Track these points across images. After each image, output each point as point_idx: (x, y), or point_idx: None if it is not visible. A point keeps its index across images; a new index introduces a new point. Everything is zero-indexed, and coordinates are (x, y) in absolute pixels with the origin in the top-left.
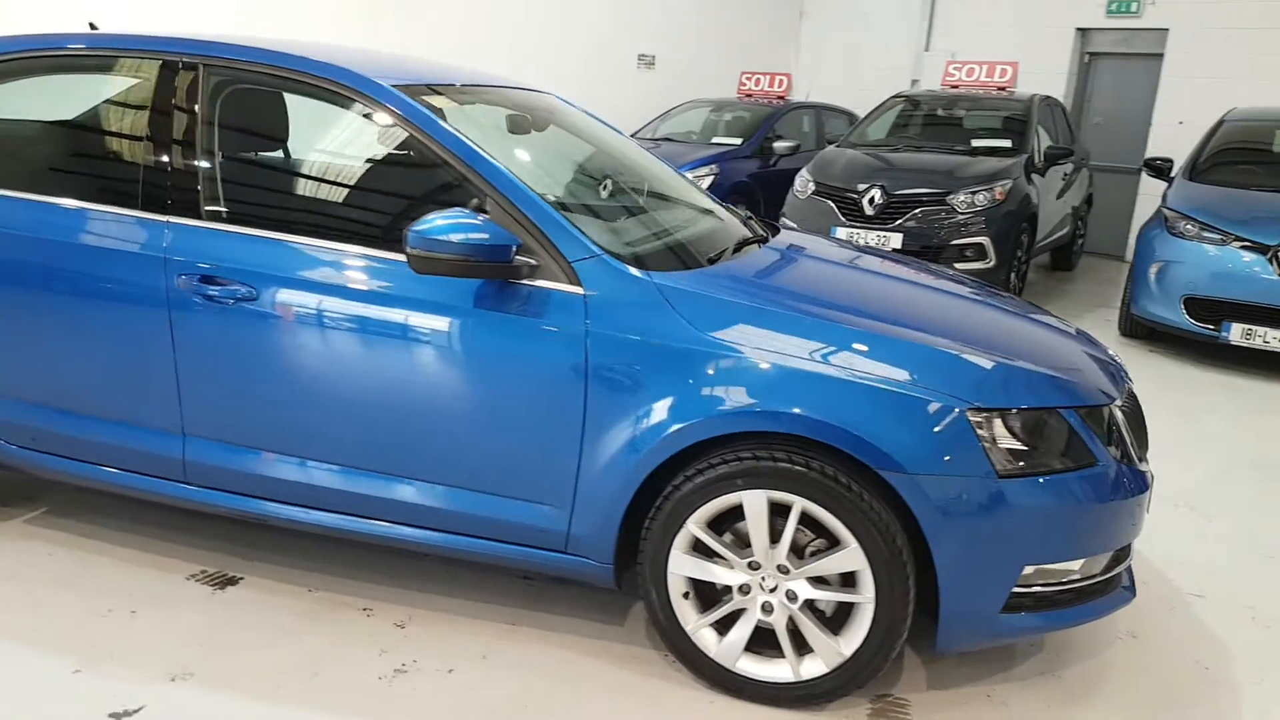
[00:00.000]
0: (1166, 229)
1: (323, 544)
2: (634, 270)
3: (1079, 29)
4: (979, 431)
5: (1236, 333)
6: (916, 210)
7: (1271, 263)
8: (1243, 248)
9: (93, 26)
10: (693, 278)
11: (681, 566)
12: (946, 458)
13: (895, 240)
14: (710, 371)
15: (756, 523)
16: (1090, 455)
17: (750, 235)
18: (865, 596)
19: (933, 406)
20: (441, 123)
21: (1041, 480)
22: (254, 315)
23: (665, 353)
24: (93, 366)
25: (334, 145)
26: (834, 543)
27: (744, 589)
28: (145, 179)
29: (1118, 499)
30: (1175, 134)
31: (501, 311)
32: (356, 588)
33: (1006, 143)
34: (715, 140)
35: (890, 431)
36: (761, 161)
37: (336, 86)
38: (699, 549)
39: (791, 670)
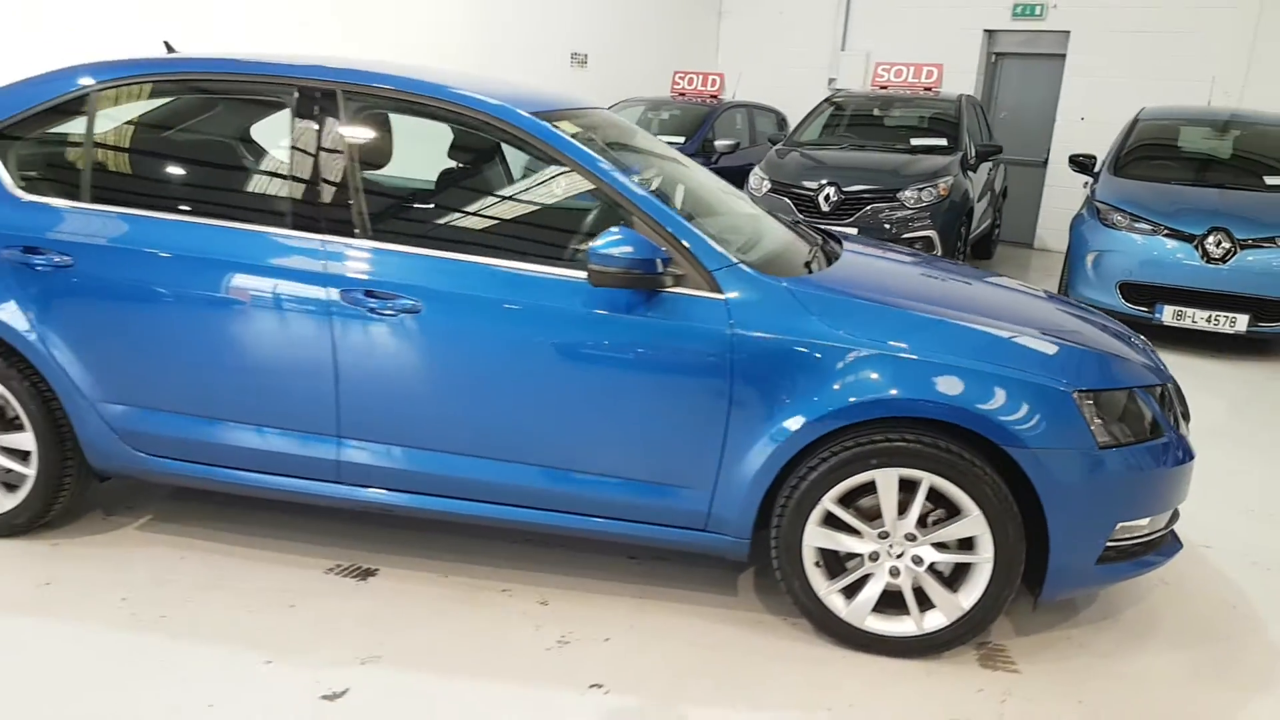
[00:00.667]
0: (1100, 220)
1: (444, 534)
2: (765, 276)
3: (986, 30)
4: (1083, 410)
5: (1169, 314)
6: (867, 206)
7: (1197, 250)
8: (1171, 237)
9: (169, 47)
10: (812, 281)
11: (815, 539)
12: (1059, 434)
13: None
14: (847, 365)
15: (888, 497)
16: (1159, 428)
17: (823, 243)
18: (984, 557)
19: (1046, 390)
20: (584, 148)
21: (1128, 450)
22: (417, 326)
23: (804, 350)
24: (251, 378)
25: (473, 169)
26: (953, 512)
27: (873, 556)
28: (295, 201)
29: (1179, 465)
30: (1077, 129)
31: (652, 318)
32: (486, 572)
33: (942, 141)
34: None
35: (1014, 413)
36: (705, 159)
37: (479, 115)
38: (830, 522)
39: (915, 625)
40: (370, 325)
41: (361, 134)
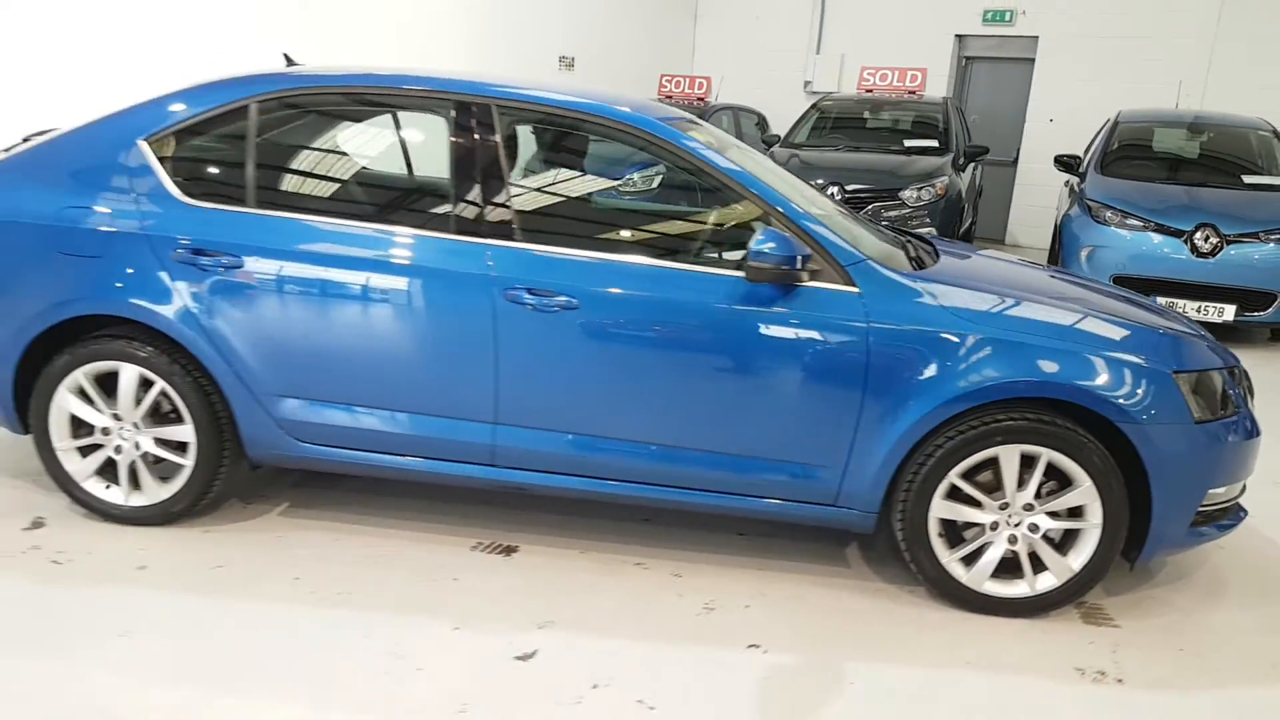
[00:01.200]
0: (1092, 217)
1: (572, 513)
2: (891, 271)
3: (957, 35)
4: (1181, 389)
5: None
6: (869, 206)
7: (1186, 244)
8: (1160, 232)
9: (288, 60)
10: (933, 275)
11: (939, 511)
12: (1163, 411)
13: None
14: (973, 351)
15: (1010, 471)
16: (1236, 405)
17: (921, 243)
18: (1093, 523)
19: (1152, 372)
20: (726, 159)
21: (1215, 424)
22: (574, 321)
23: (934, 338)
24: (413, 370)
25: (618, 177)
26: (1064, 483)
27: (993, 525)
28: (456, 206)
29: (1251, 438)
30: (1046, 130)
31: (792, 309)
32: (616, 548)
33: (934, 142)
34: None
35: (1126, 393)
36: None
37: (633, 129)
38: (952, 495)
39: (1029, 587)
40: (530, 321)
41: (516, 145)
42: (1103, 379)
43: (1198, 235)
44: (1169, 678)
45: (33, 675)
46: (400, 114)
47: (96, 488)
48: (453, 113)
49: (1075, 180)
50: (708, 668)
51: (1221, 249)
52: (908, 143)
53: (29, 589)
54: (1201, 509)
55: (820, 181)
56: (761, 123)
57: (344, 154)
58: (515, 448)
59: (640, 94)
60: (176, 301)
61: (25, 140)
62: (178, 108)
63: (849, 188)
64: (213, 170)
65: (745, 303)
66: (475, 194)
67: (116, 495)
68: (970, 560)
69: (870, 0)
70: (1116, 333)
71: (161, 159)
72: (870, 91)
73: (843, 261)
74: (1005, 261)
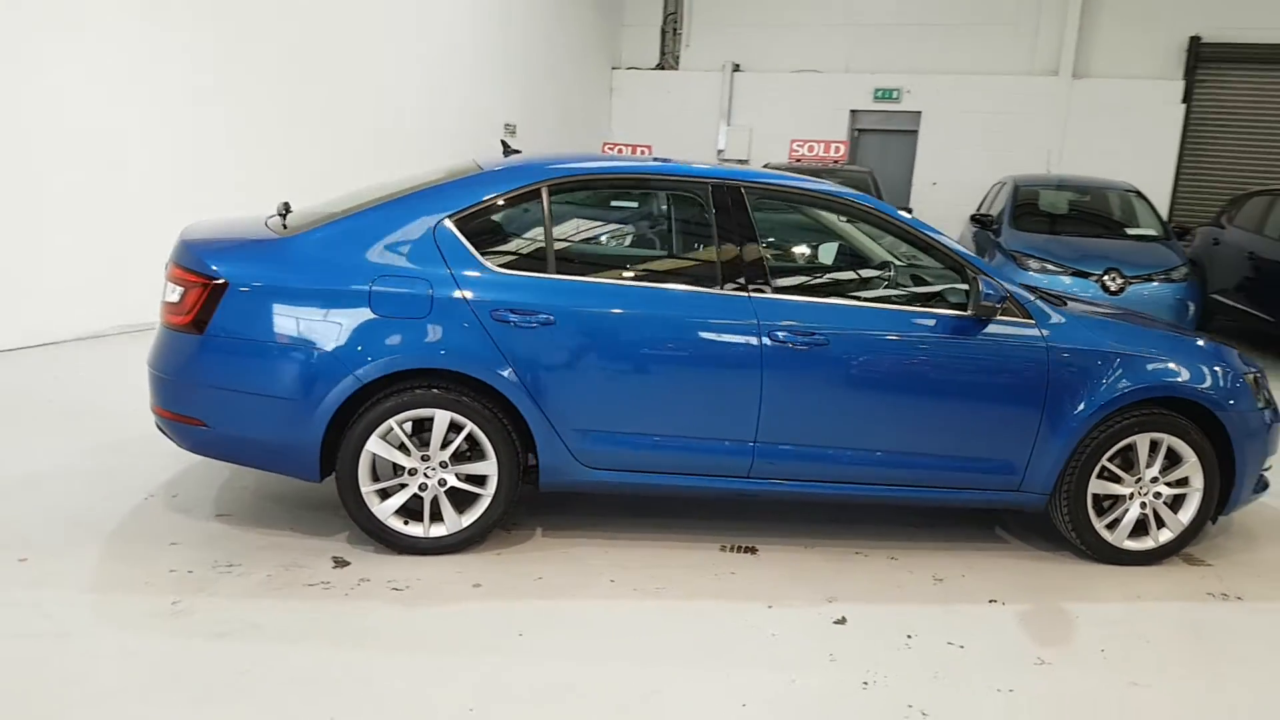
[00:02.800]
0: (1016, 264)
1: (783, 516)
2: (1055, 308)
3: (852, 110)
4: (1250, 386)
5: None
6: None
7: (1097, 284)
8: (1076, 275)
9: (506, 147)
10: (1077, 311)
11: (1094, 488)
12: (1242, 403)
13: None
14: (1120, 366)
15: (1143, 452)
16: (1273, 399)
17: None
18: (1196, 489)
19: (1233, 374)
20: (927, 225)
21: (1266, 411)
22: (826, 355)
23: (1093, 357)
24: (695, 402)
25: (850, 240)
26: (1174, 461)
27: (1131, 496)
28: (721, 267)
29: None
30: (930, 192)
31: (992, 339)
32: (829, 541)
33: None
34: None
35: (1224, 392)
36: None
37: (852, 203)
38: (1101, 475)
39: (1154, 541)
40: (790, 356)
41: (762, 217)
42: (1209, 382)
43: (1106, 277)
44: (1269, 592)
45: (475, 674)
46: (663, 194)
47: (397, 524)
48: (711, 193)
49: (988, 234)
50: (973, 619)
51: (1126, 288)
52: None
53: (404, 612)
54: (1260, 474)
55: None
56: None
57: (620, 226)
58: (768, 463)
59: None
60: (494, 354)
61: (283, 213)
62: (477, 191)
63: None
64: (513, 242)
65: (963, 334)
66: (736, 256)
67: (417, 529)
68: (1112, 525)
69: (775, 78)
70: (1206, 347)
71: (465, 234)
72: (799, 160)
73: (1021, 302)
74: (1096, 304)
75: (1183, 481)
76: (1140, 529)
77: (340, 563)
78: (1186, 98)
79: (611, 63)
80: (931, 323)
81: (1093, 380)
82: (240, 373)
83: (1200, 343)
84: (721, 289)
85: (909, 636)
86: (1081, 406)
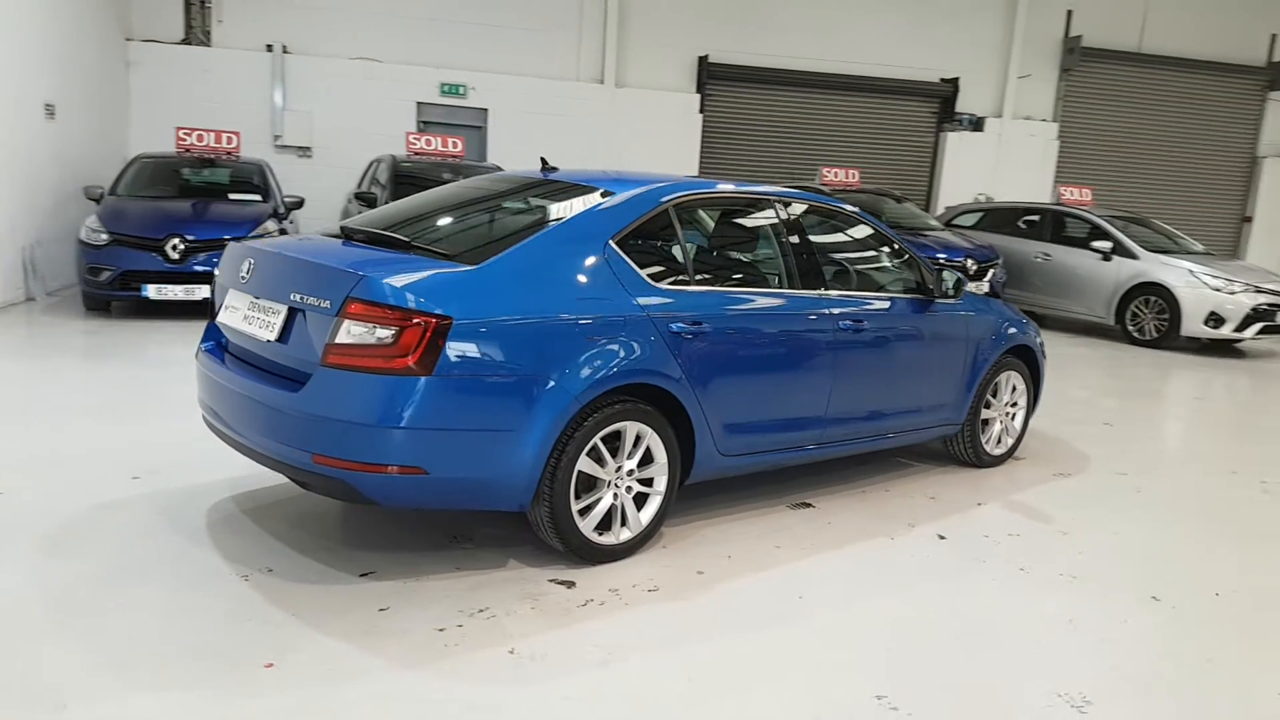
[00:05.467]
0: None
1: (816, 472)
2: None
3: (419, 102)
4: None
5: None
6: (211, 252)
7: None
8: None
9: (544, 162)
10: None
11: (983, 414)
12: (1037, 338)
13: None
14: (1005, 323)
15: (1004, 384)
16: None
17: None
18: (1022, 406)
19: (1030, 326)
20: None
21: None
22: (863, 337)
23: (995, 328)
24: (799, 386)
25: (860, 245)
26: (1014, 388)
27: (996, 415)
28: (791, 270)
29: None
30: None
31: (949, 313)
32: (846, 484)
33: (257, 196)
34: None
35: (1037, 340)
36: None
37: (859, 216)
38: (986, 405)
39: (998, 443)
40: (847, 341)
41: (820, 229)
42: (1032, 333)
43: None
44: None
45: (813, 625)
46: (750, 210)
47: (595, 536)
48: (769, 206)
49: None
50: (983, 515)
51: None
52: (232, 195)
53: (685, 606)
54: None
55: (168, 233)
56: (262, 173)
57: (733, 239)
58: (834, 433)
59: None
60: (674, 365)
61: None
62: (627, 214)
63: (197, 237)
64: (658, 258)
65: (918, 310)
66: (810, 261)
67: (610, 537)
68: (985, 439)
69: (333, 64)
70: (1018, 316)
71: (626, 254)
72: (189, 150)
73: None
74: None
75: (1016, 403)
76: (997, 440)
77: (566, 584)
78: (702, 109)
79: (124, 33)
80: (917, 303)
81: (989, 339)
82: (466, 412)
83: (1011, 312)
84: (810, 290)
85: (985, 536)
86: (985, 358)
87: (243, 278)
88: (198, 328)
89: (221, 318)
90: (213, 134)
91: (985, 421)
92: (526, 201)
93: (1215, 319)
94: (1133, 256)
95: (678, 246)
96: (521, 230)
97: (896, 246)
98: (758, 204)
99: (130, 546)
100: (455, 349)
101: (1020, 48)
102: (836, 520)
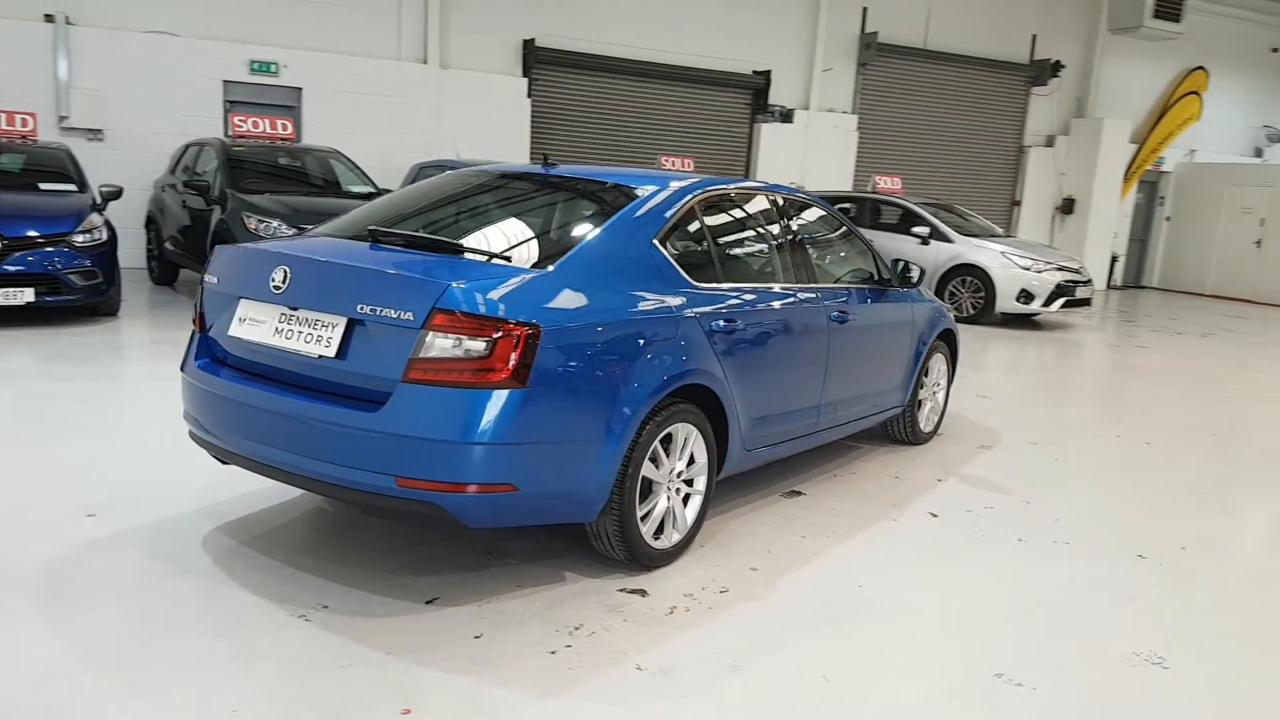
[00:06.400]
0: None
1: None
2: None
3: (225, 80)
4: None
5: None
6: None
7: None
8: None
9: (546, 159)
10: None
11: (926, 394)
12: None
13: None
14: (934, 315)
15: (934, 364)
16: None
17: None
18: (943, 386)
19: (940, 311)
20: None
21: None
22: (849, 325)
23: (929, 309)
24: (804, 375)
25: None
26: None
27: (927, 393)
28: (788, 263)
29: None
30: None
31: (900, 301)
32: (832, 471)
33: (71, 185)
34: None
35: (953, 324)
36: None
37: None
38: (921, 384)
39: (928, 425)
40: (838, 330)
41: (805, 223)
42: (950, 320)
43: None
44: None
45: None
46: (755, 205)
47: (652, 541)
48: (788, 206)
49: (198, 195)
50: (953, 487)
51: None
52: (44, 185)
53: (714, 627)
54: None
55: None
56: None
57: (745, 235)
58: (828, 417)
59: None
60: (716, 365)
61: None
62: (663, 212)
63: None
64: (690, 256)
65: (896, 299)
66: (806, 255)
67: (665, 541)
68: (920, 409)
69: (125, 37)
70: (939, 306)
71: (667, 253)
72: (244, 136)
73: (910, 279)
74: None
75: (939, 383)
76: (927, 418)
77: (637, 592)
78: (530, 93)
79: None
80: (882, 292)
81: (927, 324)
82: (556, 423)
83: (936, 299)
84: (807, 283)
85: (967, 511)
86: (925, 341)
87: (276, 287)
88: (24, 336)
89: (235, 330)
90: (3, 115)
91: (919, 401)
92: (553, 199)
93: (1026, 295)
94: (948, 240)
95: (705, 244)
96: (569, 231)
97: (859, 238)
98: (761, 199)
99: (143, 593)
100: (545, 358)
101: (824, 42)
102: (835, 506)
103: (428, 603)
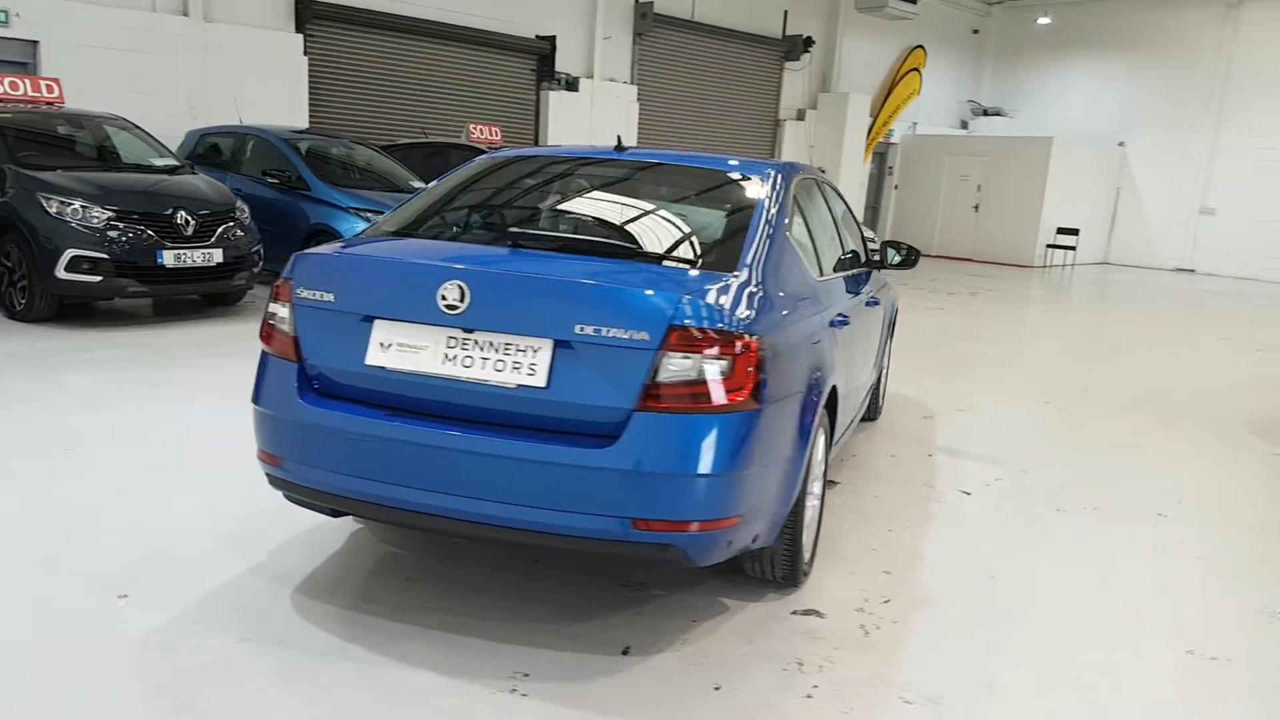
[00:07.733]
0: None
1: None
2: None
3: None
4: None
5: None
6: None
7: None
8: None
9: (619, 140)
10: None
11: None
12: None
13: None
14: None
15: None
16: None
17: None
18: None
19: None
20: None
21: None
22: (871, 308)
23: (893, 297)
24: (858, 367)
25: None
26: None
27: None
28: (833, 244)
29: None
30: None
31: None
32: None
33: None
34: None
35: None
36: None
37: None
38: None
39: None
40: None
41: (823, 204)
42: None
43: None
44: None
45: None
46: (814, 189)
47: (805, 557)
48: (834, 191)
49: None
50: (974, 472)
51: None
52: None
53: (924, 645)
54: None
55: None
56: None
57: (817, 221)
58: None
59: None
60: (840, 361)
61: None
62: (781, 197)
63: None
64: (801, 247)
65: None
66: (837, 240)
67: (805, 554)
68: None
69: None
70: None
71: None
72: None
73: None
74: None
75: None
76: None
77: (813, 613)
78: (307, 51)
79: None
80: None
81: (892, 306)
82: (776, 443)
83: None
84: (851, 267)
85: (987, 485)
86: (892, 322)
87: (450, 306)
88: None
89: (376, 359)
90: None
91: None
92: (658, 187)
93: None
94: None
95: (805, 233)
96: (716, 225)
97: (851, 215)
98: (811, 182)
99: (294, 694)
100: (767, 372)
101: (604, 11)
102: (879, 493)
103: (623, 653)
